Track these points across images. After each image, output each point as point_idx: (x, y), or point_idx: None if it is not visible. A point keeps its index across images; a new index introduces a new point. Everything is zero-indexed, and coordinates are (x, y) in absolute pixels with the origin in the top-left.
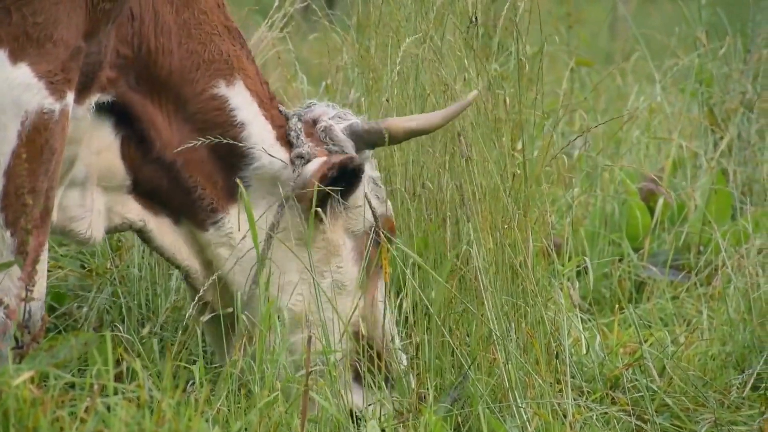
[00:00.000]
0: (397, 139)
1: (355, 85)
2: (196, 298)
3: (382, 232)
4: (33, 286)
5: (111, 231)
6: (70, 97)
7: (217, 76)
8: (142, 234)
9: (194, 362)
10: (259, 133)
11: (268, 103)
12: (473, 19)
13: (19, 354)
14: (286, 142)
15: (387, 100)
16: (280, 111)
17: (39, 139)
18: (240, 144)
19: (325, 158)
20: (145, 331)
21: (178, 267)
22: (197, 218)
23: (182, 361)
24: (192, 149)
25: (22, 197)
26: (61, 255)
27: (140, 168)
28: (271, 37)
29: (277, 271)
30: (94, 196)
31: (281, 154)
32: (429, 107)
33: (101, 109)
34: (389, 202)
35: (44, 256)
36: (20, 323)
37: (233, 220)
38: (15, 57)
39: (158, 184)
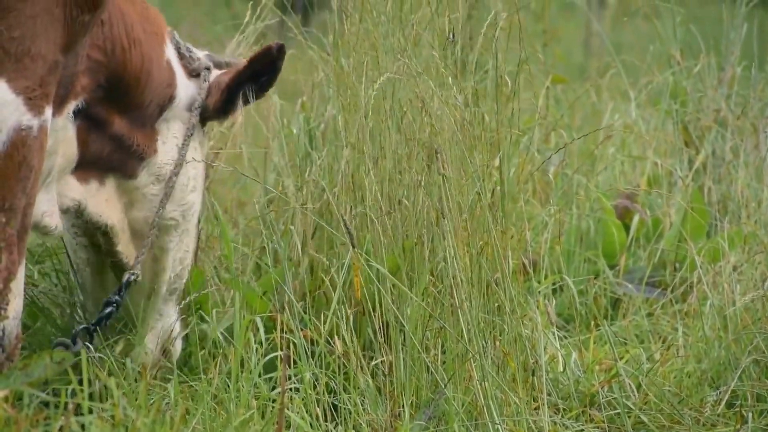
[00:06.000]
0: None
1: (331, 102)
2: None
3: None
4: (6, 304)
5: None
6: (49, 111)
7: (162, 43)
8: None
9: (169, 380)
10: (179, 71)
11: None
12: (450, 36)
13: None
14: (181, 64)
15: (364, 118)
16: None
17: (17, 156)
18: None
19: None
20: (119, 349)
21: (99, 229)
22: (128, 170)
23: (157, 379)
24: (137, 111)
25: None
26: (36, 272)
27: (89, 147)
28: (246, 54)
29: (185, 190)
30: (53, 187)
31: (191, 81)
32: (406, 124)
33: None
34: None
35: (21, 274)
36: None
37: (159, 156)
38: None
39: (100, 154)
